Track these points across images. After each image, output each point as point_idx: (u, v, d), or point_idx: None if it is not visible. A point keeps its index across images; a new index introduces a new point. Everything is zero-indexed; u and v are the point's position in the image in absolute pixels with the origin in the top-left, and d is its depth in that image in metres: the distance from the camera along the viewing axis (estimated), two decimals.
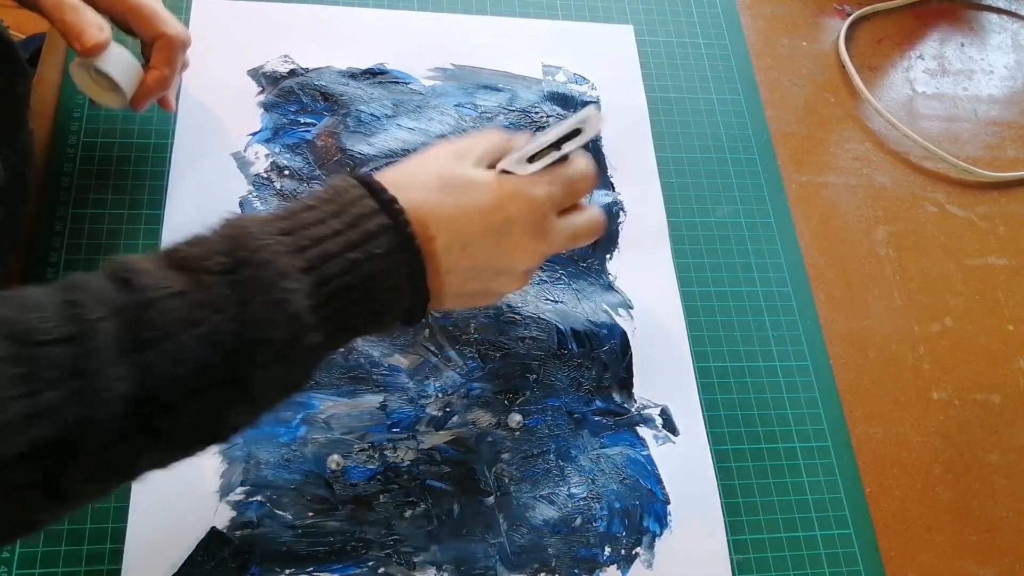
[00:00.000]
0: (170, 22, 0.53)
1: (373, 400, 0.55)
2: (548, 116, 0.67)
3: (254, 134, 0.62)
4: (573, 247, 0.48)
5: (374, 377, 0.55)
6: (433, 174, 0.42)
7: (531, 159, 0.44)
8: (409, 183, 0.41)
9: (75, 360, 0.31)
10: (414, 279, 0.39)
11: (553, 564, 0.52)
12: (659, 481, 0.56)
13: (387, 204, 0.39)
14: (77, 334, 0.31)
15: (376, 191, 0.39)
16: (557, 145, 0.44)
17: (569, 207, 0.46)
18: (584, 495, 0.54)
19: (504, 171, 0.43)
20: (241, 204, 0.59)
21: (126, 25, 0.54)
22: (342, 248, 0.37)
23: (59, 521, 0.34)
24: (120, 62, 0.52)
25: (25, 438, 0.29)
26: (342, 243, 0.37)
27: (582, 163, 0.46)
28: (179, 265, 0.35)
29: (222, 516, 0.50)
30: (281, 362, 0.35)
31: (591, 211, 0.48)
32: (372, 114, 0.64)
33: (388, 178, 0.40)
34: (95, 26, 0.50)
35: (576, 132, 0.44)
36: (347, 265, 0.37)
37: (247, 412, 0.36)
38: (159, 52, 0.53)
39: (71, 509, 0.33)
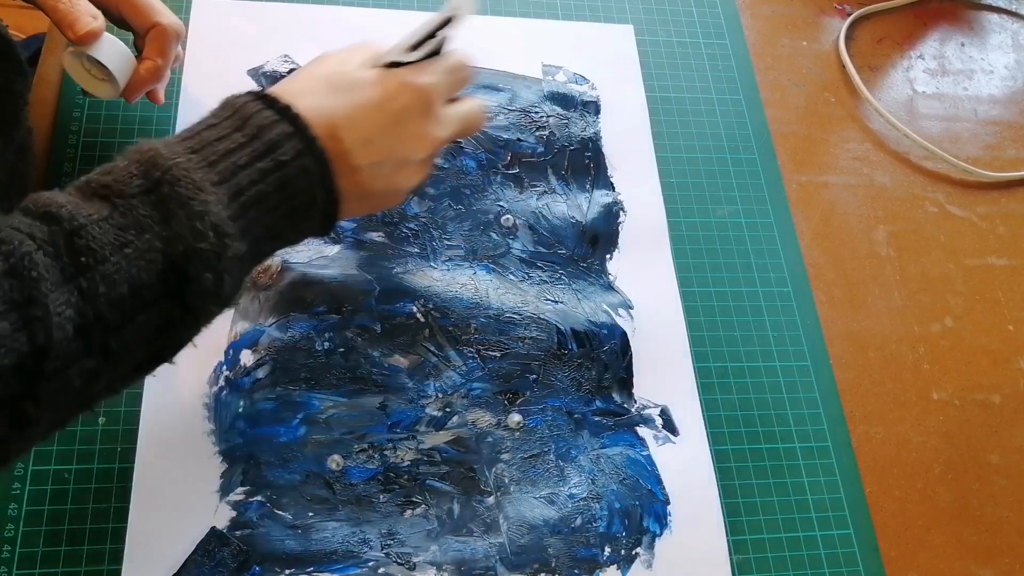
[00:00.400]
0: (164, 12, 0.54)
1: (373, 400, 0.55)
2: (548, 116, 0.67)
3: None
4: (465, 134, 0.51)
5: (374, 377, 0.55)
6: (323, 80, 0.43)
7: (412, 50, 0.46)
8: (302, 90, 0.42)
9: (19, 291, 0.31)
10: (324, 180, 0.41)
11: (553, 564, 0.52)
12: (659, 481, 0.56)
13: (285, 112, 0.40)
14: (13, 268, 0.32)
15: (272, 102, 0.40)
16: (433, 35, 0.46)
17: (454, 99, 0.48)
18: (584, 495, 0.54)
19: (388, 66, 0.45)
20: None
21: (119, 16, 0.54)
22: (250, 159, 0.38)
23: (25, 454, 0.35)
24: (113, 51, 0.52)
25: None
26: (249, 154, 0.38)
27: (459, 55, 0.48)
28: (97, 193, 0.35)
29: (222, 516, 0.50)
30: (211, 272, 0.36)
31: (473, 100, 0.50)
32: None
33: (281, 90, 0.42)
34: (88, 14, 0.50)
35: (450, 21, 0.46)
36: (257, 175, 0.38)
37: (187, 326, 0.37)
38: (152, 42, 0.54)
39: (33, 438, 0.34)
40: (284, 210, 0.39)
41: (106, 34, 0.52)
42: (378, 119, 0.43)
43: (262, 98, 0.40)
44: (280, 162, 0.39)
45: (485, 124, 0.51)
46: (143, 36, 0.54)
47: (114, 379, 0.36)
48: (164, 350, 0.38)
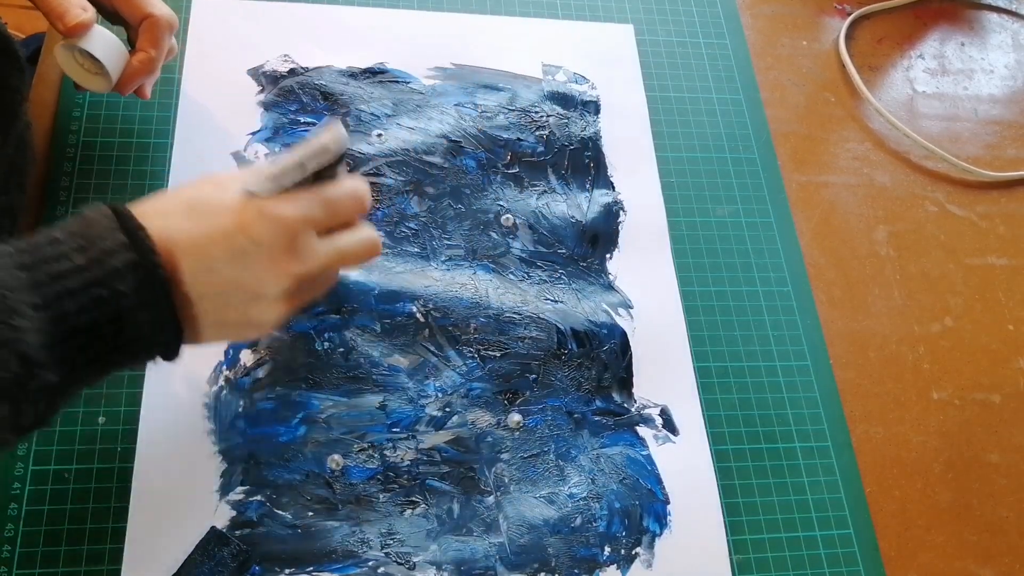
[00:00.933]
0: (156, 3, 0.53)
1: (373, 400, 0.55)
2: (548, 116, 0.67)
3: (254, 133, 0.62)
4: (344, 266, 0.48)
5: (374, 377, 0.55)
6: (183, 200, 0.41)
7: (276, 178, 0.43)
8: (159, 210, 0.40)
9: None
10: (162, 312, 0.39)
11: (553, 564, 0.52)
12: (659, 481, 0.56)
13: (135, 234, 0.38)
14: None
15: (125, 221, 0.38)
16: (303, 165, 0.43)
17: (339, 227, 0.45)
18: (584, 495, 0.54)
19: (249, 194, 0.42)
20: None
21: (112, 10, 0.54)
22: (84, 284, 0.36)
23: None
24: (105, 43, 0.52)
25: None
26: (86, 280, 0.36)
27: (350, 184, 0.45)
28: None
29: (222, 516, 0.50)
30: (8, 402, 0.34)
31: (363, 231, 0.46)
32: (372, 113, 0.64)
33: (140, 208, 0.40)
34: (78, 6, 0.50)
35: (324, 150, 0.43)
36: (89, 302, 0.36)
37: None
38: (145, 33, 0.53)
39: None
40: (117, 341, 0.38)
41: (97, 26, 0.52)
42: (225, 247, 0.40)
43: (120, 216, 0.38)
44: (116, 292, 0.37)
45: (376, 254, 0.47)
46: (136, 28, 0.54)
47: None
48: None
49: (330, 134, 0.43)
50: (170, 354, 0.41)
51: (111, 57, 0.52)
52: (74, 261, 0.36)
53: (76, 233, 0.37)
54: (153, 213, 0.40)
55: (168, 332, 0.40)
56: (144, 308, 0.38)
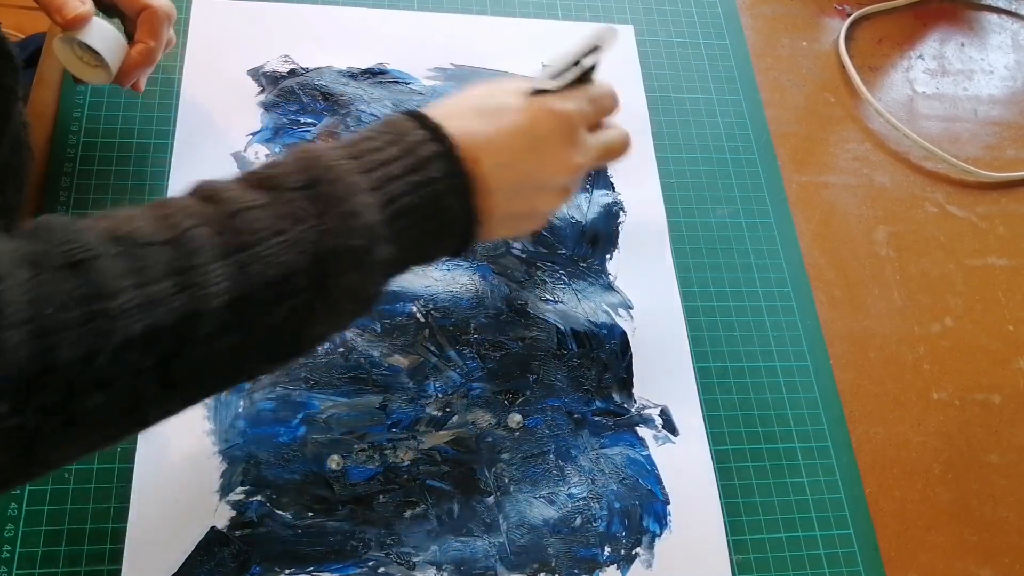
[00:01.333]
0: None
1: (373, 400, 0.55)
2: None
3: (254, 134, 0.62)
4: (607, 161, 0.52)
5: (374, 377, 0.55)
6: (470, 105, 0.45)
7: (557, 77, 0.47)
8: (451, 113, 0.44)
9: (178, 259, 0.34)
10: (464, 199, 0.42)
11: (553, 564, 0.52)
12: (659, 481, 0.56)
13: (436, 132, 0.41)
14: (175, 238, 0.34)
15: (425, 122, 0.42)
16: (578, 62, 0.47)
17: (597, 126, 0.50)
18: (584, 495, 0.54)
19: (535, 93, 0.46)
20: None
21: (110, 3, 0.54)
22: (403, 171, 0.40)
23: (165, 418, 0.37)
24: (104, 36, 0.52)
25: (142, 324, 0.32)
26: (402, 167, 0.40)
27: (604, 84, 0.49)
28: (259, 184, 0.37)
29: (222, 516, 0.50)
30: (357, 271, 0.38)
31: (618, 127, 0.51)
32: (372, 114, 0.64)
33: (434, 111, 0.43)
34: None
35: (595, 49, 0.47)
36: (408, 187, 0.40)
37: (327, 321, 0.39)
38: (144, 24, 0.54)
39: (179, 403, 0.36)
40: (429, 224, 0.41)
41: (96, 19, 0.51)
42: (519, 144, 0.44)
43: (417, 117, 0.42)
44: (430, 178, 0.40)
45: (629, 151, 0.51)
46: (134, 20, 0.54)
47: (251, 360, 0.37)
48: (302, 342, 0.39)
49: (602, 35, 0.47)
50: (466, 243, 0.44)
51: (110, 49, 0.52)
52: (390, 152, 0.40)
53: (384, 131, 0.41)
54: (444, 116, 0.43)
55: (468, 219, 0.43)
56: (452, 193, 0.41)
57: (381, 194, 0.39)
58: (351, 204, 0.37)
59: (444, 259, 0.46)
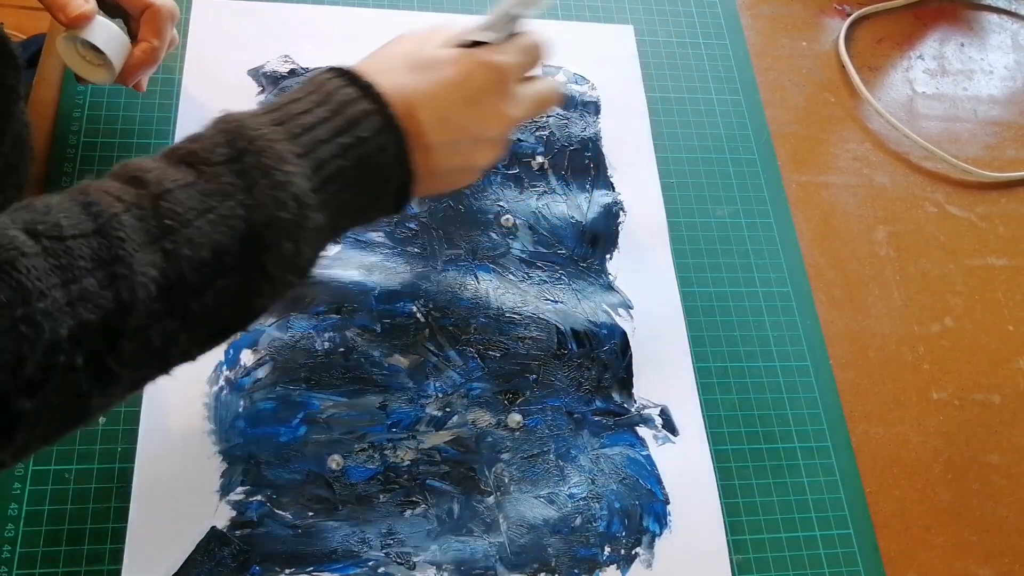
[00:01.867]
0: None
1: (373, 400, 0.55)
2: (548, 116, 0.67)
3: None
4: (539, 112, 0.52)
5: (374, 377, 0.55)
6: (402, 58, 0.44)
7: (488, 30, 0.46)
8: (382, 68, 0.43)
9: (105, 249, 0.33)
10: (400, 157, 0.41)
11: (553, 564, 0.52)
12: (659, 481, 0.56)
13: (367, 90, 0.40)
14: (101, 228, 0.33)
15: (354, 79, 0.41)
16: (510, 17, 0.46)
17: (528, 78, 0.49)
18: (584, 495, 0.55)
19: (468, 45, 0.46)
20: None
21: (113, 2, 0.53)
22: (332, 134, 0.39)
23: (106, 412, 0.37)
24: (108, 34, 0.52)
25: (71, 321, 0.31)
26: (331, 129, 0.39)
27: (533, 35, 0.48)
28: (183, 160, 0.36)
29: (222, 516, 0.50)
30: (291, 241, 0.37)
31: (546, 79, 0.52)
32: None
33: (363, 67, 0.42)
34: None
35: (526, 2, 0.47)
36: (338, 149, 0.39)
37: (265, 295, 0.38)
38: (147, 23, 0.54)
39: (114, 396, 0.35)
40: (362, 186, 0.40)
41: (99, 17, 0.52)
42: (455, 97, 0.44)
43: (344, 75, 0.41)
44: (360, 138, 0.39)
45: (559, 102, 0.52)
46: (137, 19, 0.54)
47: (192, 343, 0.37)
48: (241, 318, 0.38)
49: None
50: (403, 201, 0.43)
51: (113, 48, 0.52)
52: (318, 114, 0.39)
53: (310, 91, 0.40)
54: (375, 70, 0.42)
55: (404, 176, 0.42)
56: (386, 152, 0.40)
57: (310, 160, 0.38)
58: (279, 174, 0.36)
59: (383, 218, 0.46)
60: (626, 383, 0.58)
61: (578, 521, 0.54)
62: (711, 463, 0.57)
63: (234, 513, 0.50)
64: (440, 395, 0.56)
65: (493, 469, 0.54)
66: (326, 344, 0.56)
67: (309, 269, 0.40)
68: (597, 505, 0.54)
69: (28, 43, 0.80)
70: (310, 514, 0.51)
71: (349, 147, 0.39)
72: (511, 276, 0.61)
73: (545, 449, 0.55)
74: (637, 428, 0.57)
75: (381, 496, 0.52)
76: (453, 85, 0.44)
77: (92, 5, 0.51)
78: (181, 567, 0.48)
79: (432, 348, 0.57)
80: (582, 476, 0.55)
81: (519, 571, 0.52)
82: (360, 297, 0.57)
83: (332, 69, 0.42)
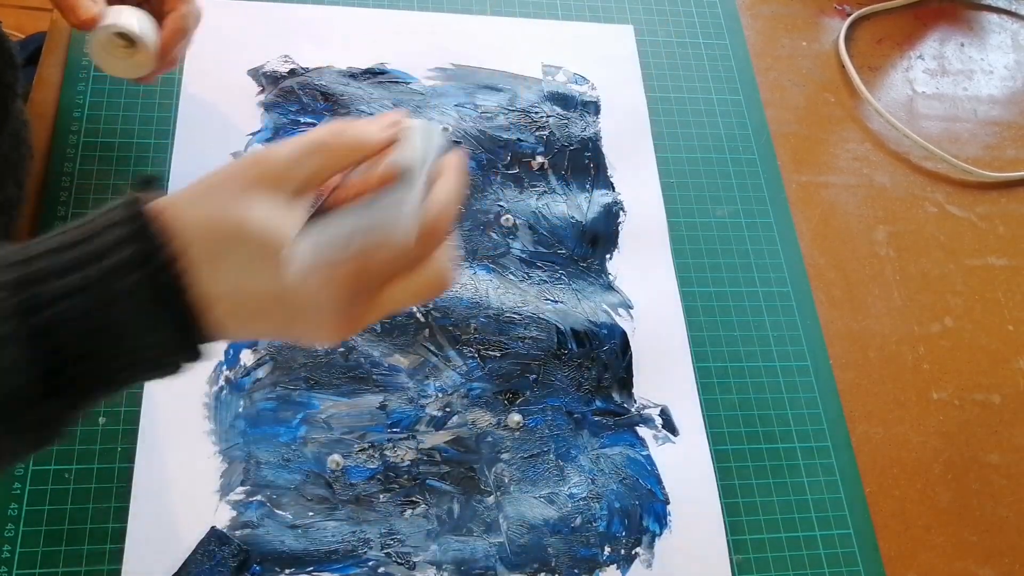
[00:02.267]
0: None
1: (373, 400, 0.55)
2: (548, 116, 0.67)
3: (254, 134, 0.62)
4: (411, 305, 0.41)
5: (374, 377, 0.55)
6: (213, 212, 0.32)
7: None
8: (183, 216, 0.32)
9: None
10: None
11: (553, 564, 0.52)
12: (659, 481, 0.56)
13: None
14: None
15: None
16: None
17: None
18: (584, 495, 0.54)
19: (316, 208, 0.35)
20: None
21: None
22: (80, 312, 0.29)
23: None
24: (132, 16, 0.50)
25: None
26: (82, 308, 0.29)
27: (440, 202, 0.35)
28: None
29: (222, 516, 0.50)
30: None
31: (433, 267, 0.35)
32: (372, 114, 0.64)
33: (166, 210, 0.32)
34: None
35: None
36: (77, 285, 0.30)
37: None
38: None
39: None
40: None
41: (123, 7, 0.50)
42: (270, 317, 0.33)
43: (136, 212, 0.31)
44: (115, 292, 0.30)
45: (444, 290, 0.36)
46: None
47: None
48: None
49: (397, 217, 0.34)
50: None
51: (144, 27, 0.50)
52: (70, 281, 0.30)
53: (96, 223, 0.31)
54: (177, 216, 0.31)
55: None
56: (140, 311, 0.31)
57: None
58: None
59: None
60: (626, 383, 0.58)
61: (578, 521, 0.54)
62: (711, 463, 0.57)
63: (234, 513, 0.50)
64: (440, 395, 0.56)
65: (493, 469, 0.54)
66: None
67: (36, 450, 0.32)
68: (597, 505, 0.54)
69: (27, 42, 0.80)
70: (310, 514, 0.51)
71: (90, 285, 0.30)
72: (511, 276, 0.61)
73: (545, 449, 0.55)
74: (637, 428, 0.57)
75: (381, 496, 0.52)
76: (271, 298, 0.32)
77: (101, 6, 0.50)
78: (181, 567, 0.48)
79: (432, 348, 0.57)
80: (582, 476, 0.55)
81: (519, 571, 0.52)
82: None
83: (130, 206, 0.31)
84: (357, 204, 0.34)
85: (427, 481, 0.53)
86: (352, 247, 0.33)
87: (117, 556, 0.48)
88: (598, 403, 0.58)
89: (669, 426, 0.57)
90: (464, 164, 0.37)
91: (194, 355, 0.32)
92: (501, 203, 0.63)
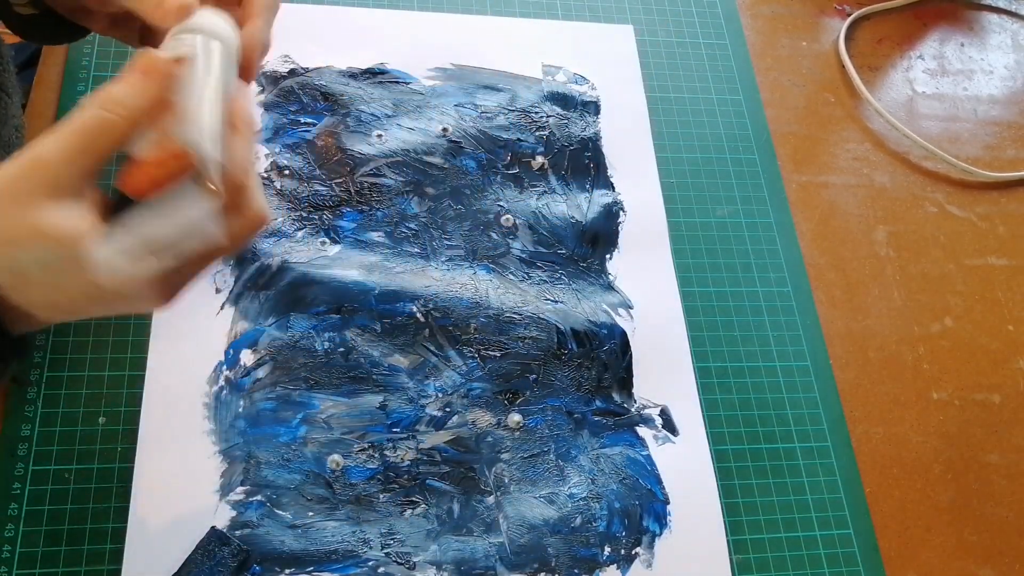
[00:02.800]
0: None
1: (373, 400, 0.55)
2: (548, 116, 0.67)
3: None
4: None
5: (374, 377, 0.55)
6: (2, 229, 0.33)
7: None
8: None
9: None
10: None
11: (553, 564, 0.52)
12: (659, 481, 0.56)
13: None
14: None
15: None
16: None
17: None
18: (584, 495, 0.55)
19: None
20: None
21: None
22: None
23: None
24: (214, 19, 0.39)
25: None
26: None
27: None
28: None
29: (222, 516, 0.50)
30: None
31: (246, 214, 0.37)
32: (372, 114, 0.64)
33: None
34: None
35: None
36: None
37: None
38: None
39: None
40: None
41: (197, 10, 0.39)
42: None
43: None
44: None
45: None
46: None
47: None
48: None
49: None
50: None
51: (226, 32, 0.39)
52: None
53: None
54: None
55: None
56: None
57: None
58: None
59: None
60: (626, 383, 0.58)
61: (578, 521, 0.54)
62: (711, 463, 0.57)
63: (234, 513, 0.50)
64: (440, 395, 0.56)
65: (493, 469, 0.54)
66: (326, 344, 0.56)
67: None
68: (597, 505, 0.54)
69: (25, 44, 0.79)
70: (310, 514, 0.51)
71: None
72: (511, 276, 0.61)
73: (545, 449, 0.55)
74: (637, 428, 0.57)
75: (381, 496, 0.52)
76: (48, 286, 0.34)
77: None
78: (181, 567, 0.48)
79: (432, 348, 0.57)
80: (582, 476, 0.55)
81: (519, 571, 0.52)
82: (360, 297, 0.57)
83: None
84: (161, 197, 0.36)
85: (427, 481, 0.53)
86: (162, 255, 0.35)
87: (117, 556, 0.48)
88: (598, 403, 0.58)
89: (669, 426, 0.57)
90: (252, 114, 0.37)
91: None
92: (501, 203, 0.63)
